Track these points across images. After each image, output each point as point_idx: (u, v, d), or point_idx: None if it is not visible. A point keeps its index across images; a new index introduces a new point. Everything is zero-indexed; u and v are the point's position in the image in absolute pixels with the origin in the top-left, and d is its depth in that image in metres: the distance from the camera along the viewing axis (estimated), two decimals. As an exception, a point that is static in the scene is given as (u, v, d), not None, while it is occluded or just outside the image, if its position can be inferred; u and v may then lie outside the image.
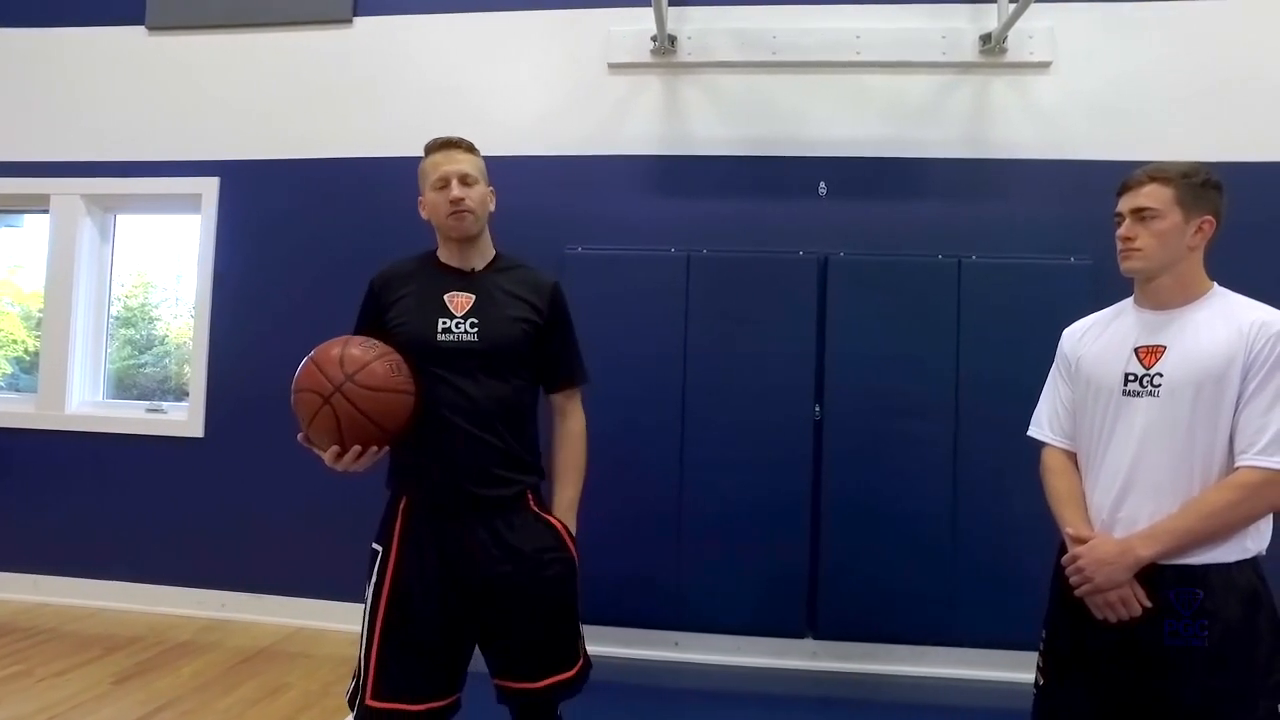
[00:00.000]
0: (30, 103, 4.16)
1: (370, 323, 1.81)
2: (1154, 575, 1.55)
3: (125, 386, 4.38)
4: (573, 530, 1.84)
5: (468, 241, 1.80)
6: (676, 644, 3.50)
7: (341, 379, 1.59)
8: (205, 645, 3.50)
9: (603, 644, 3.46)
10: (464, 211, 1.75)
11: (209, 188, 3.98)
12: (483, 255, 1.83)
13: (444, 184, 1.76)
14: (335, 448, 1.61)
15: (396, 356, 1.67)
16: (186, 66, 4.05)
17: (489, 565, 1.70)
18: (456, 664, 1.73)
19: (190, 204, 4.03)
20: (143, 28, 4.09)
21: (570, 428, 1.92)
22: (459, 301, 1.75)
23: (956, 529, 3.32)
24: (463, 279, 1.79)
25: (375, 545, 1.77)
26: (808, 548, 3.40)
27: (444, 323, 1.72)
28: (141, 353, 4.44)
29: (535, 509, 1.80)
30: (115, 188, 4.09)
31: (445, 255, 1.83)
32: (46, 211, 4.15)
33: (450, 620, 1.69)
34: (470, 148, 1.83)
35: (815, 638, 3.44)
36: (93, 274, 4.19)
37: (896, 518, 3.34)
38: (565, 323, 1.90)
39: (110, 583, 3.95)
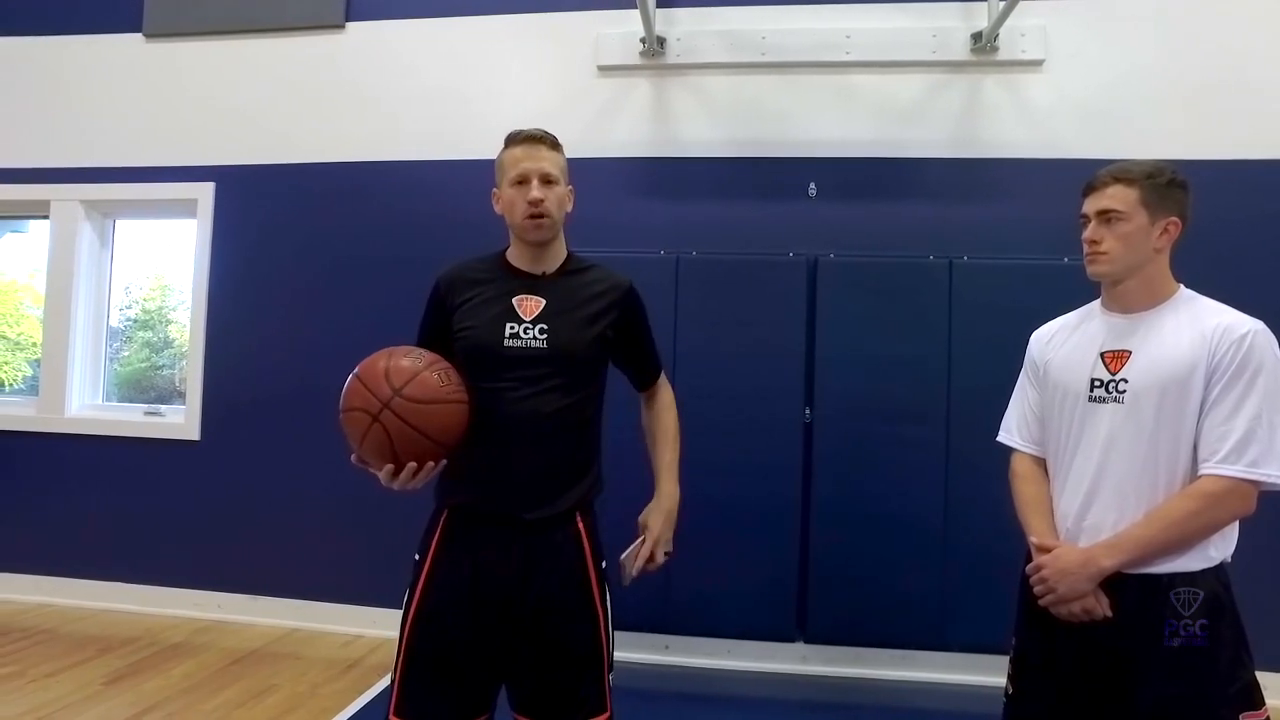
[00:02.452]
0: (30, 110, 4.21)
1: (435, 326, 1.73)
2: (1117, 584, 1.53)
3: (142, 388, 4.44)
4: (674, 489, 1.81)
5: (541, 245, 1.71)
6: (666, 647, 3.49)
7: (389, 394, 1.51)
8: (198, 646, 3.53)
9: (592, 647, 3.47)
10: (542, 217, 1.66)
11: (204, 193, 4.02)
12: (555, 258, 1.74)
13: (523, 180, 1.66)
14: (390, 466, 1.53)
15: (445, 364, 1.59)
16: (182, 73, 4.09)
17: (518, 587, 1.63)
18: (485, 684, 1.66)
19: (186, 209, 4.07)
20: (140, 35, 4.14)
21: (663, 399, 1.90)
22: (528, 306, 1.67)
23: (947, 533, 3.29)
24: (533, 282, 1.70)
25: (416, 555, 1.70)
26: (798, 551, 3.38)
27: (512, 328, 1.64)
28: (157, 354, 4.50)
29: (583, 535, 1.70)
30: (113, 193, 4.14)
31: (516, 257, 1.73)
32: (47, 217, 4.20)
33: (479, 640, 1.62)
34: (555, 144, 1.72)
35: (805, 641, 3.42)
36: (92, 279, 4.25)
37: (887, 521, 3.31)
38: (643, 323, 1.82)
39: (109, 584, 3.99)
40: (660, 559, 1.76)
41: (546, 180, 1.68)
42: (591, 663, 1.68)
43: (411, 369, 1.55)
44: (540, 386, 1.63)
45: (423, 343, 1.72)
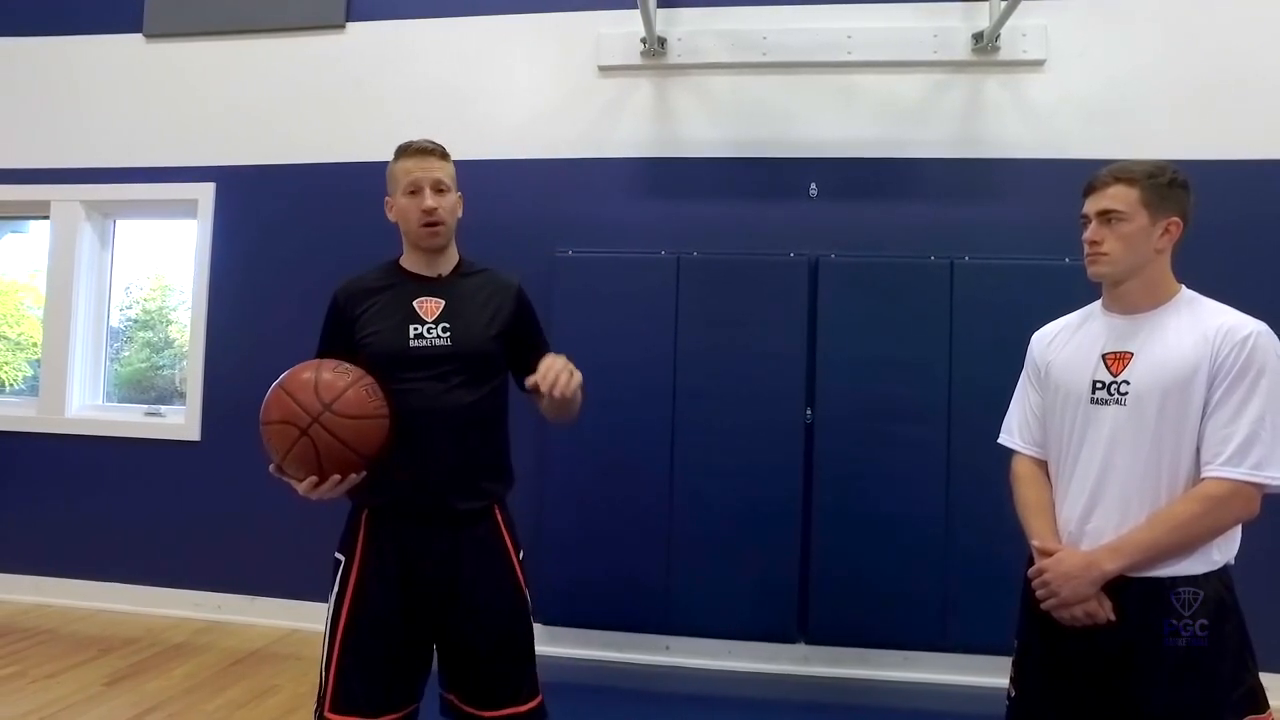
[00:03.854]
0: (31, 110, 4.21)
1: (336, 337, 1.79)
2: (1120, 587, 1.52)
3: (143, 388, 4.44)
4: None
5: (436, 251, 1.79)
6: (667, 648, 3.49)
7: (319, 409, 1.54)
8: (199, 647, 3.53)
9: (593, 648, 3.48)
10: (437, 224, 1.74)
11: (205, 193, 4.02)
12: (449, 261, 1.82)
13: (416, 190, 1.74)
14: (313, 478, 1.58)
15: (370, 379, 1.63)
16: (183, 73, 4.09)
17: (447, 579, 1.70)
18: (416, 674, 1.73)
19: (187, 209, 4.06)
20: (140, 35, 4.13)
21: None
22: (429, 307, 1.74)
23: (948, 534, 3.29)
24: (430, 285, 1.78)
25: (338, 555, 1.76)
26: (799, 552, 3.38)
27: (415, 329, 1.71)
28: (157, 354, 4.50)
29: (502, 527, 1.79)
30: (114, 194, 4.14)
31: (410, 262, 1.81)
32: (47, 218, 4.20)
33: (410, 632, 1.69)
34: (444, 154, 1.80)
35: (806, 642, 3.42)
36: (92, 279, 4.25)
37: (888, 522, 3.31)
38: (535, 320, 1.91)
39: (109, 584, 3.99)
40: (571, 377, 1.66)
41: (438, 188, 1.75)
42: (522, 651, 1.77)
43: (339, 384, 1.58)
44: (448, 383, 1.70)
45: (325, 346, 1.78)
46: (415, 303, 1.74)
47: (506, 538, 1.79)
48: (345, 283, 1.82)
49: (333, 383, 1.58)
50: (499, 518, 1.79)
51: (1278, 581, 2.93)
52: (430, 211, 1.73)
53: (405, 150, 1.79)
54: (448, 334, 1.72)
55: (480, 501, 1.75)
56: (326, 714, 1.67)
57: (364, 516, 1.75)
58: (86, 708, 2.89)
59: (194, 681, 3.15)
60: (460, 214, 1.84)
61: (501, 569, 1.76)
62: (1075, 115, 3.46)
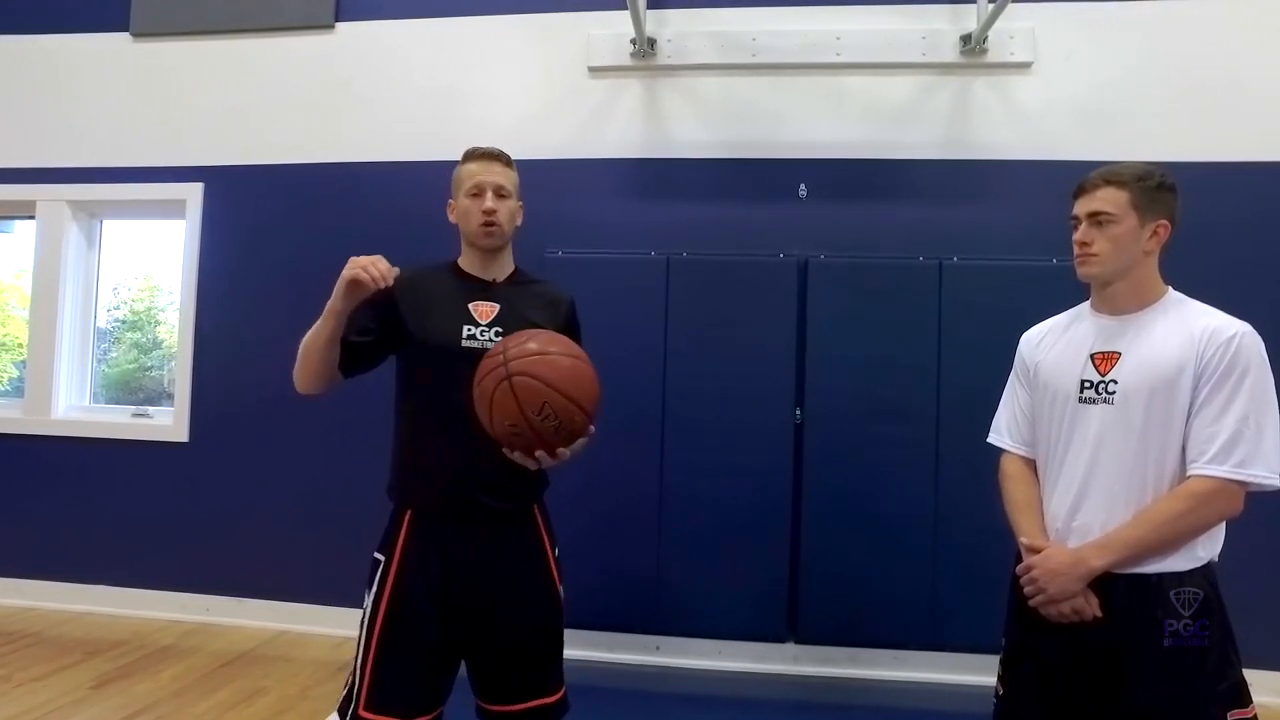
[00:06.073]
0: (16, 109, 4.17)
1: (378, 312, 1.75)
2: (1107, 583, 1.54)
3: (131, 389, 4.41)
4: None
5: (492, 253, 1.83)
6: (658, 648, 3.49)
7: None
8: (187, 649, 3.51)
9: (584, 648, 3.46)
10: (494, 225, 1.78)
11: (193, 193, 3.99)
12: (504, 267, 1.87)
13: (478, 192, 1.79)
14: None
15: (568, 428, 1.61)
16: (170, 73, 4.06)
17: (488, 580, 1.73)
18: (447, 676, 1.76)
19: (174, 209, 4.03)
20: (127, 34, 4.10)
21: None
22: (484, 310, 1.79)
23: (938, 533, 3.31)
24: (485, 289, 1.82)
25: (377, 554, 1.78)
26: (789, 551, 3.39)
27: (469, 329, 1.76)
28: (145, 354, 4.47)
29: (540, 525, 1.83)
30: (100, 194, 4.10)
31: (468, 264, 1.85)
32: (33, 218, 4.16)
33: (447, 634, 1.72)
34: (508, 161, 1.86)
35: (796, 642, 3.43)
36: (79, 280, 4.21)
37: (878, 521, 3.33)
38: (577, 336, 1.91)
39: (95, 587, 3.96)
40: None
41: (499, 193, 1.80)
42: (555, 646, 1.83)
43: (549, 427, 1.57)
44: None
45: (357, 319, 1.73)
46: (470, 305, 1.79)
47: (544, 536, 1.84)
48: (404, 271, 1.80)
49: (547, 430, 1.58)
50: (538, 517, 1.84)
51: (1262, 578, 2.98)
52: (490, 213, 1.77)
53: (471, 154, 1.85)
54: (500, 339, 1.72)
55: (517, 503, 1.79)
56: (360, 713, 1.68)
57: (406, 516, 1.77)
58: (73, 711, 2.86)
59: (182, 684, 3.13)
60: (520, 222, 1.89)
61: (539, 567, 1.81)
62: (1062, 117, 3.49)
